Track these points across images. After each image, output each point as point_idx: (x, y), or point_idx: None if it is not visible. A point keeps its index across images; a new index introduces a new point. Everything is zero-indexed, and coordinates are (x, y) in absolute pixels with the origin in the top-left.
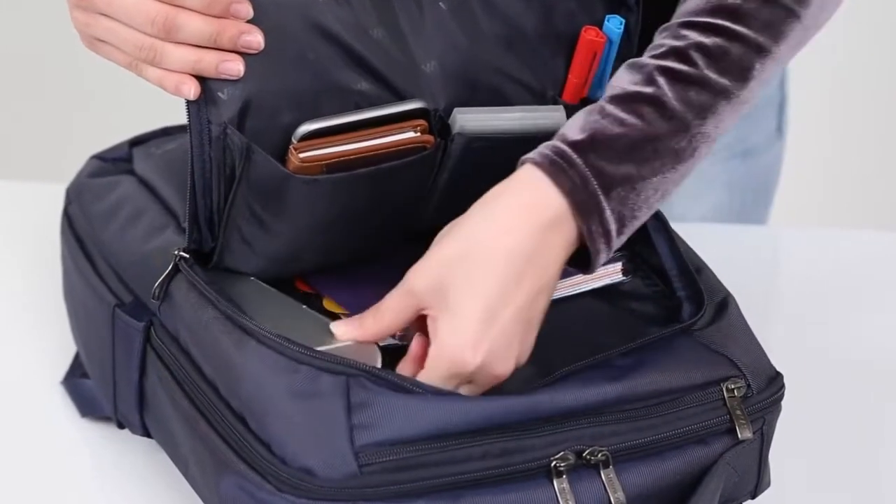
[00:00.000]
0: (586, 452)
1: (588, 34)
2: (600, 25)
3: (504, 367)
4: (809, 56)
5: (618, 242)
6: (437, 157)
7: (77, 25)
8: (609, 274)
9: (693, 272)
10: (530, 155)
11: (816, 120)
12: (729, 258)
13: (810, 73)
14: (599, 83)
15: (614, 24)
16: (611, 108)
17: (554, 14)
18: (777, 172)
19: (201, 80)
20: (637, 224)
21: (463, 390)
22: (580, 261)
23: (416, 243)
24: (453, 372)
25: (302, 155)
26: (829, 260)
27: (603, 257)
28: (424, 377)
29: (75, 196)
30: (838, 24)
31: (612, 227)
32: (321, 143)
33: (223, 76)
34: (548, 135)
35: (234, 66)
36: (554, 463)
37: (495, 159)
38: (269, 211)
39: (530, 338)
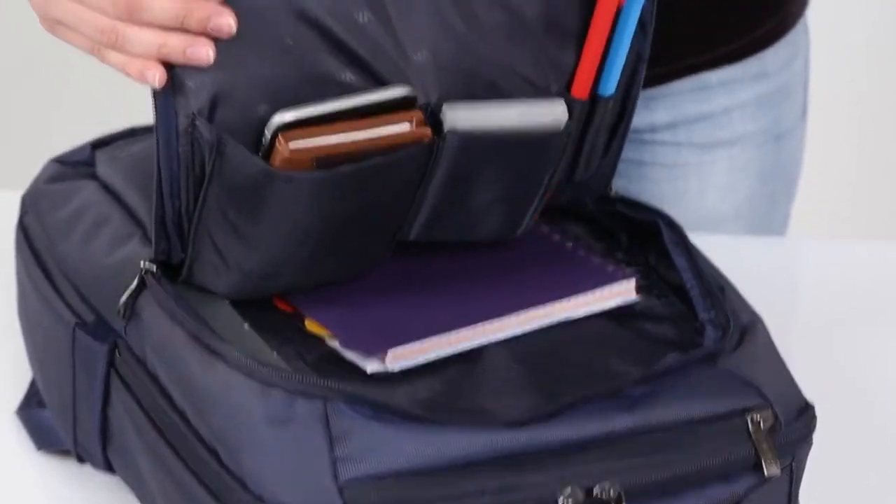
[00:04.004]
0: (596, 489)
1: None
2: None
3: None
4: (831, 49)
5: None
6: (430, 155)
7: (35, 7)
8: (621, 293)
9: (717, 293)
10: None
11: (837, 121)
12: (746, 273)
13: (831, 66)
14: (609, 74)
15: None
16: None
17: (561, 2)
18: (801, 159)
19: (169, 66)
20: None
21: None
22: None
23: (402, 260)
24: None
25: (292, 145)
26: (856, 274)
27: None
28: None
29: (31, 204)
30: (863, 20)
31: None
32: (311, 134)
33: (191, 62)
34: (549, 133)
35: (203, 52)
36: (560, 500)
37: (493, 163)
38: (243, 215)
39: None
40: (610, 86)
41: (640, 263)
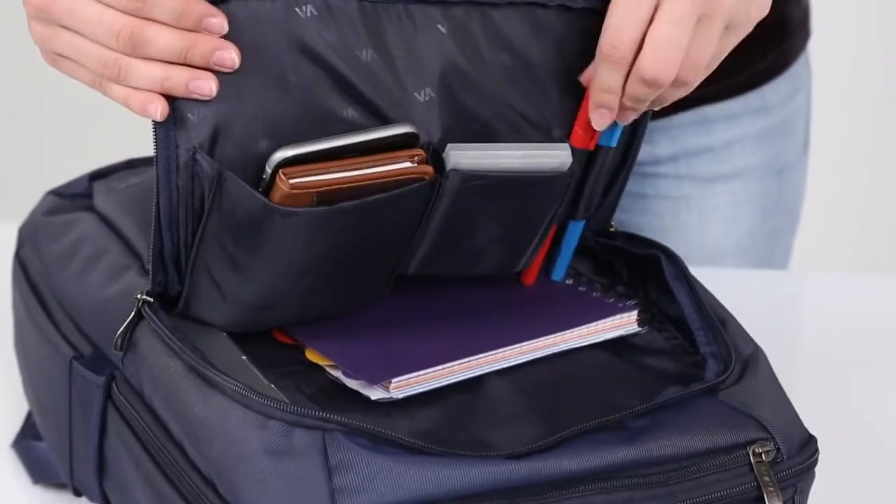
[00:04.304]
0: None
1: None
2: None
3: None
4: (834, 83)
5: None
6: (431, 194)
7: (36, 39)
8: (623, 324)
9: (718, 325)
10: None
11: (840, 155)
12: (748, 307)
13: (834, 100)
14: (611, 135)
15: None
16: None
17: (565, 48)
18: (803, 193)
19: (170, 100)
20: None
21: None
22: None
23: (404, 291)
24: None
25: (292, 181)
26: (859, 309)
27: None
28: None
29: (29, 237)
30: (866, 53)
31: None
32: (312, 170)
33: (193, 96)
34: (551, 176)
35: (206, 85)
36: None
37: (494, 202)
38: (242, 249)
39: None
40: (613, 140)
41: (640, 297)
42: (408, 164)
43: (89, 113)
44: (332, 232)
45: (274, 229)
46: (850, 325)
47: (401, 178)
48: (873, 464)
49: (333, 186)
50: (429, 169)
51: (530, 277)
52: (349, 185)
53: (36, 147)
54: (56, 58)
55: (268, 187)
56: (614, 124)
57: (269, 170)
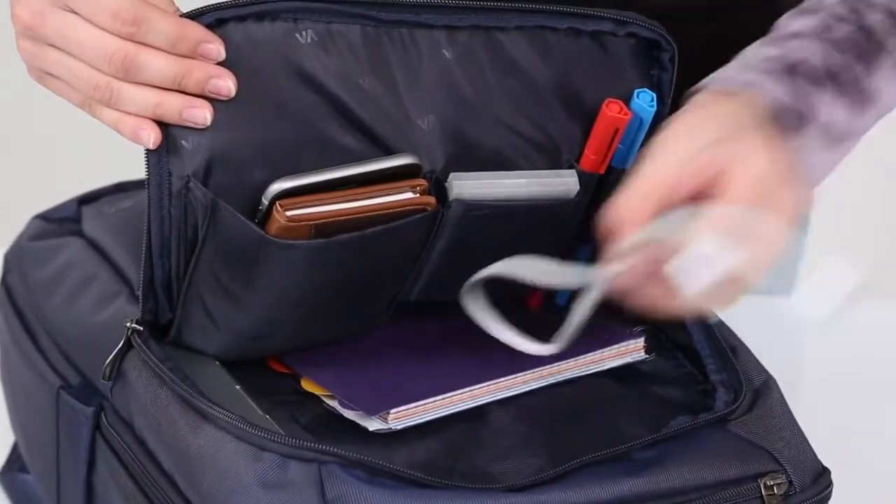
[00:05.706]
0: None
1: (610, 109)
2: (627, 89)
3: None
4: None
5: None
6: (434, 225)
7: (24, 56)
8: (630, 351)
9: (728, 353)
10: None
11: (849, 172)
12: (748, 333)
13: None
14: (625, 158)
15: (644, 101)
16: None
17: (575, 71)
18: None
19: (163, 126)
20: None
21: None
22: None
23: (403, 319)
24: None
25: (289, 213)
26: (864, 335)
27: None
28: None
29: (15, 262)
30: None
31: None
32: (310, 201)
33: (187, 124)
34: (557, 202)
35: (200, 113)
36: None
37: (499, 230)
38: (237, 279)
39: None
40: (628, 162)
41: (648, 323)
42: (409, 195)
43: (77, 135)
44: (330, 264)
45: (270, 261)
46: (855, 353)
47: (402, 209)
48: (888, 495)
49: (332, 218)
50: (431, 200)
51: (535, 301)
52: (348, 216)
53: (22, 170)
54: (43, 75)
55: (264, 218)
56: (630, 144)
57: (265, 201)
